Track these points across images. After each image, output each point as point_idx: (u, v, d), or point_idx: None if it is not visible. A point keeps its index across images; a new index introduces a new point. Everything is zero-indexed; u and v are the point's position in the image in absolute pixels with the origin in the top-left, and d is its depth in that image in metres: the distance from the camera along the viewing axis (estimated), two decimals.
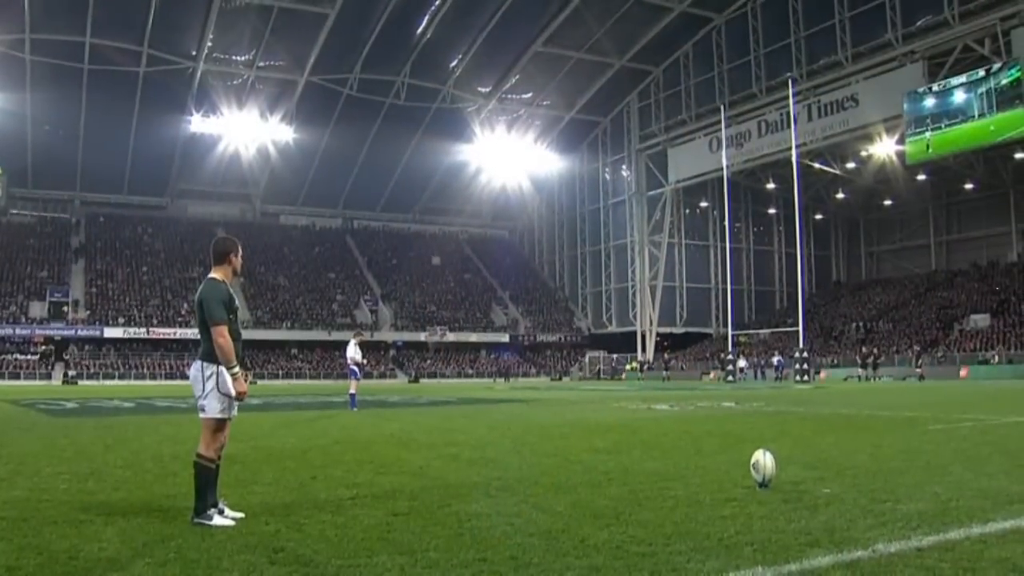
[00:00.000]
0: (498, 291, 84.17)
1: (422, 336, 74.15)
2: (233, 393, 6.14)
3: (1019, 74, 46.35)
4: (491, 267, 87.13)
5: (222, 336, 6.05)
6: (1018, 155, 57.46)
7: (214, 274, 6.35)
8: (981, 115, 48.20)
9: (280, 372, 66.52)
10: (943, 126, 49.82)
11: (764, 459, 7.15)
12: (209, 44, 61.89)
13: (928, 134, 50.58)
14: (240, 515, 6.14)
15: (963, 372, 50.67)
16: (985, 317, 58.35)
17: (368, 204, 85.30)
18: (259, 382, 61.09)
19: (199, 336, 6.24)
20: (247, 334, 62.54)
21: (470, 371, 72.24)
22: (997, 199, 67.23)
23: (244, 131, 69.57)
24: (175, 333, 66.60)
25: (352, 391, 21.32)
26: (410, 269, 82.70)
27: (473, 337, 76.39)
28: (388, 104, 70.03)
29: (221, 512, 6.08)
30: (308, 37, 61.50)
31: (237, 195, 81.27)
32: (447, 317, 76.87)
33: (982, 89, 48.09)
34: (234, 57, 65.13)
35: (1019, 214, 66.99)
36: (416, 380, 65.45)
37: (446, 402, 25.89)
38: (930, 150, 50.91)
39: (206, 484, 6.09)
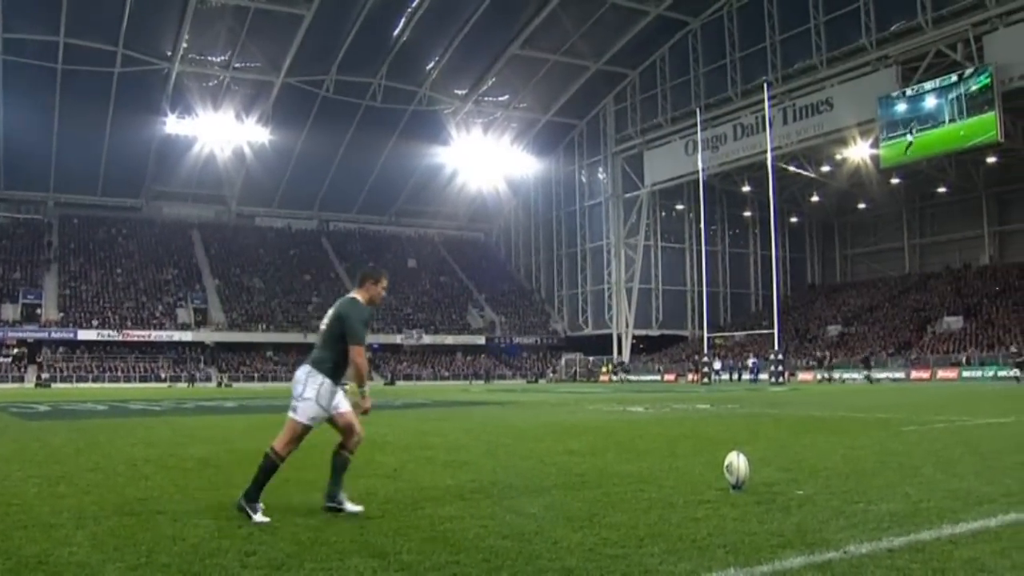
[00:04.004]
0: (474, 293, 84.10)
1: (398, 338, 73.91)
2: (328, 408, 6.31)
3: (988, 80, 46.96)
4: (467, 269, 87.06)
5: (361, 356, 6.29)
6: (990, 159, 57.84)
7: (356, 295, 6.52)
8: (952, 120, 48.75)
9: (255, 375, 66.21)
10: (914, 131, 50.33)
11: (738, 461, 7.16)
12: (184, 45, 61.62)
13: (902, 138, 51.09)
14: (360, 508, 6.32)
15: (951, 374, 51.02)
16: (958, 319, 58.92)
17: (344, 206, 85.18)
18: (234, 385, 60.84)
19: (320, 349, 6.35)
20: (222, 336, 62.23)
21: (446, 373, 72.02)
22: (970, 203, 67.79)
23: (220, 132, 69.30)
24: (149, 335, 66.23)
25: None
26: (386, 271, 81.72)
27: (449, 339, 76.28)
28: (364, 106, 69.93)
29: (340, 506, 6.31)
30: (284, 38, 61.36)
31: (212, 197, 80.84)
32: (423, 319, 76.77)
33: (953, 95, 48.65)
34: (210, 58, 64.84)
35: (991, 217, 67.57)
36: (392, 382, 65.31)
37: (421, 404, 25.88)
38: (909, 152, 51.32)
39: (266, 477, 6.26)
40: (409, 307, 78.47)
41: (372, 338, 72.06)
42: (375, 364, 71.41)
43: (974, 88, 47.63)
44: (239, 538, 5.48)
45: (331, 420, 6.41)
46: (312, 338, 65.28)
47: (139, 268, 73.63)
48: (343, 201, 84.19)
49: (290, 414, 6.31)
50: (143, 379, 62.55)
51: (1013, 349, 46.80)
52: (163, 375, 63.60)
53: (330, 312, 6.39)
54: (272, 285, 76.33)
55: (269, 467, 6.27)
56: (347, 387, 6.45)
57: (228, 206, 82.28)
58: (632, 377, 65.88)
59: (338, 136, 72.80)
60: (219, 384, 61.39)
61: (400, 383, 64.27)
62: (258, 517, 6.03)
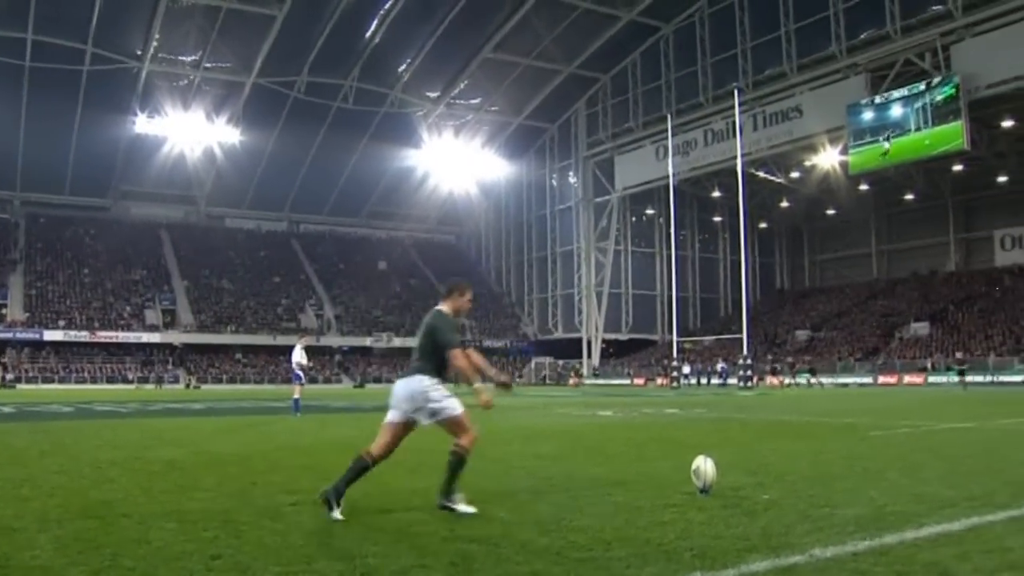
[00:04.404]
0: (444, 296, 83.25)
1: (368, 341, 73.70)
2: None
3: (955, 89, 47.57)
4: (438, 272, 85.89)
5: (459, 359, 6.59)
6: (956, 167, 58.54)
7: (442, 307, 6.92)
8: (919, 128, 49.39)
9: (224, 376, 65.78)
10: (889, 139, 50.92)
11: (705, 465, 7.20)
12: (155, 44, 61.13)
13: (871, 145, 51.68)
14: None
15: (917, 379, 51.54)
16: (924, 325, 59.65)
17: (314, 208, 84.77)
18: (202, 387, 60.43)
19: (421, 358, 6.72)
20: (190, 338, 61.72)
21: None
22: (936, 210, 68.63)
23: (190, 132, 68.82)
24: (117, 337, 65.65)
25: (296, 396, 21.13)
26: (356, 273, 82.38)
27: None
28: (336, 107, 69.70)
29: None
30: (256, 39, 61.01)
31: (182, 197, 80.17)
32: (393, 322, 76.46)
33: (921, 103, 49.27)
34: (180, 58, 64.34)
35: (957, 225, 68.57)
36: (361, 385, 65.05)
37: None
38: (881, 159, 51.83)
39: (458, 472, 6.59)
40: (379, 309, 78.20)
41: (341, 340, 72.26)
42: (345, 366, 71.35)
43: (941, 97, 48.24)
44: (204, 541, 5.44)
45: (405, 424, 6.79)
46: (281, 339, 65.73)
47: (107, 268, 72.86)
48: (314, 203, 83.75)
49: (443, 417, 6.62)
50: (110, 380, 61.93)
51: (958, 355, 47.48)
52: (131, 376, 63.01)
53: (422, 326, 6.84)
54: (241, 287, 75.89)
55: (460, 464, 6.59)
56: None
57: (198, 207, 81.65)
58: (601, 381, 66.14)
59: (309, 137, 72.48)
60: (187, 386, 61.00)
61: (370, 386, 63.97)
62: (463, 507, 6.48)
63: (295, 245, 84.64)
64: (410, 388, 6.65)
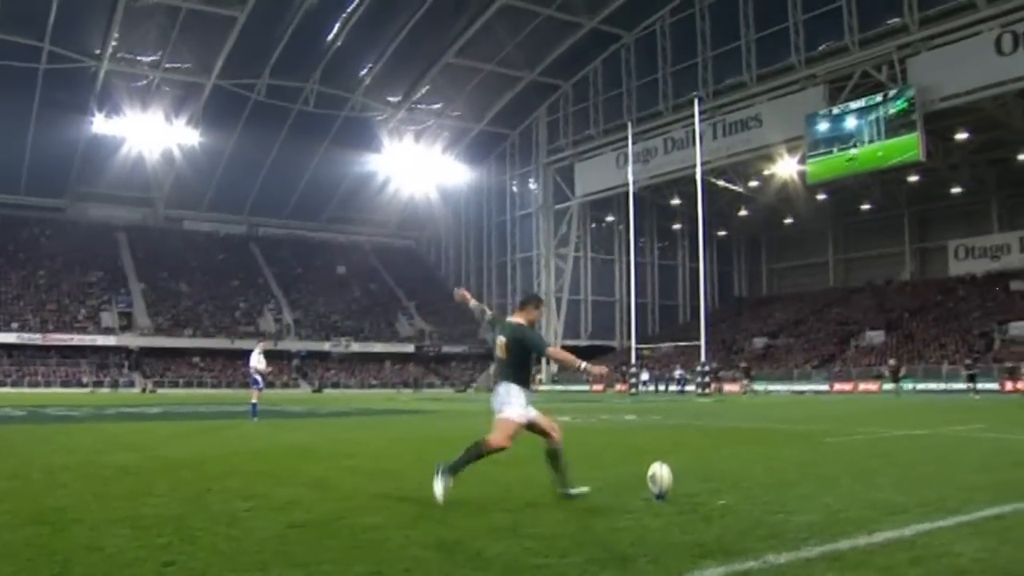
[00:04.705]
0: (403, 301, 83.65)
1: (326, 346, 73.29)
2: (526, 410, 7.38)
3: (910, 102, 48.25)
4: (397, 277, 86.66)
5: (558, 353, 7.48)
6: (912, 178, 59.37)
7: (518, 319, 7.56)
8: (876, 139, 50.11)
9: (181, 380, 65.06)
10: (835, 150, 51.77)
11: (661, 472, 7.24)
12: (114, 43, 60.45)
13: (829, 155, 52.27)
14: (585, 489, 7.42)
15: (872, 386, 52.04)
16: (880, 334, 60.29)
17: (274, 211, 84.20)
18: (159, 391, 59.75)
19: (508, 368, 7.41)
20: (147, 341, 60.97)
21: (374, 382, 71.46)
22: (892, 220, 69.56)
23: (148, 133, 67.98)
24: (72, 339, 64.71)
25: (254, 400, 20.97)
26: (315, 278, 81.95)
27: (378, 347, 75.70)
28: (297, 110, 69.34)
29: (569, 494, 7.32)
30: (216, 40, 60.45)
31: (140, 199, 79.39)
32: (352, 327, 76.16)
33: (877, 114, 49.92)
34: (139, 57, 63.62)
35: (912, 234, 69.46)
36: (319, 390, 64.75)
37: (348, 413, 25.73)
38: (841, 168, 52.30)
39: (470, 461, 7.27)
40: (338, 314, 77.80)
41: (299, 345, 71.78)
42: (303, 371, 70.88)
43: (897, 108, 48.91)
44: (157, 548, 5.38)
45: (530, 425, 7.45)
46: (239, 343, 65.15)
47: (62, 270, 71.85)
48: (273, 206, 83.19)
49: (500, 416, 7.33)
50: (64, 384, 60.96)
51: (891, 362, 48.59)
52: (85, 380, 62.04)
53: (501, 339, 7.47)
54: (199, 290, 75.09)
55: (476, 454, 7.25)
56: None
57: (156, 209, 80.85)
58: (559, 387, 66.19)
59: (269, 140, 72.05)
60: (143, 390, 60.22)
61: (327, 391, 63.70)
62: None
63: (254, 248, 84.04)
64: (500, 391, 7.36)
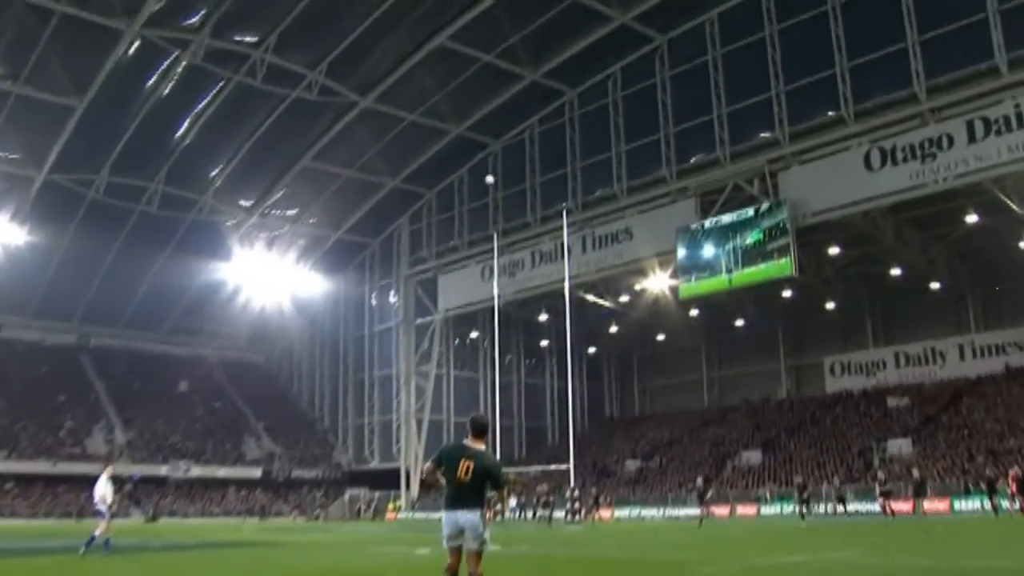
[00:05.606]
0: (251, 421, 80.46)
1: (163, 470, 69.26)
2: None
3: (782, 216, 48.99)
4: (245, 395, 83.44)
5: (508, 494, 6.93)
6: (785, 293, 60.39)
7: (482, 446, 8.47)
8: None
9: None
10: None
11: None
12: None
13: (700, 270, 52.78)
14: None
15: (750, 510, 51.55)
16: (756, 454, 60.37)
17: (109, 320, 79.72)
18: None
19: (472, 493, 8.30)
20: None
21: (217, 510, 68.09)
22: (767, 336, 70.85)
23: None
24: None
25: (97, 532, 19.04)
26: (154, 394, 77.74)
27: (221, 472, 72.21)
28: (139, 211, 66.26)
29: None
30: (51, 130, 57.14)
31: None
32: (193, 449, 72.55)
33: (750, 229, 50.65)
34: None
35: (787, 351, 70.84)
36: (154, 519, 61.56)
37: (186, 546, 24.12)
38: (726, 283, 52.63)
39: None
40: (178, 435, 73.93)
41: (133, 469, 67.74)
42: (136, 498, 66.89)
43: (770, 221, 49.67)
44: None
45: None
46: (62, 467, 61.24)
47: None
48: (109, 314, 78.67)
49: (480, 547, 8.15)
50: None
51: (800, 486, 48.38)
52: None
53: (468, 464, 8.16)
54: (17, 406, 69.79)
55: None
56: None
57: None
58: (421, 515, 64.23)
59: (107, 243, 68.48)
60: None
61: (164, 520, 60.37)
62: None
63: (84, 361, 79.70)
64: (473, 520, 8.17)
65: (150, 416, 75.51)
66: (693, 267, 53.13)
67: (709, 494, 45.26)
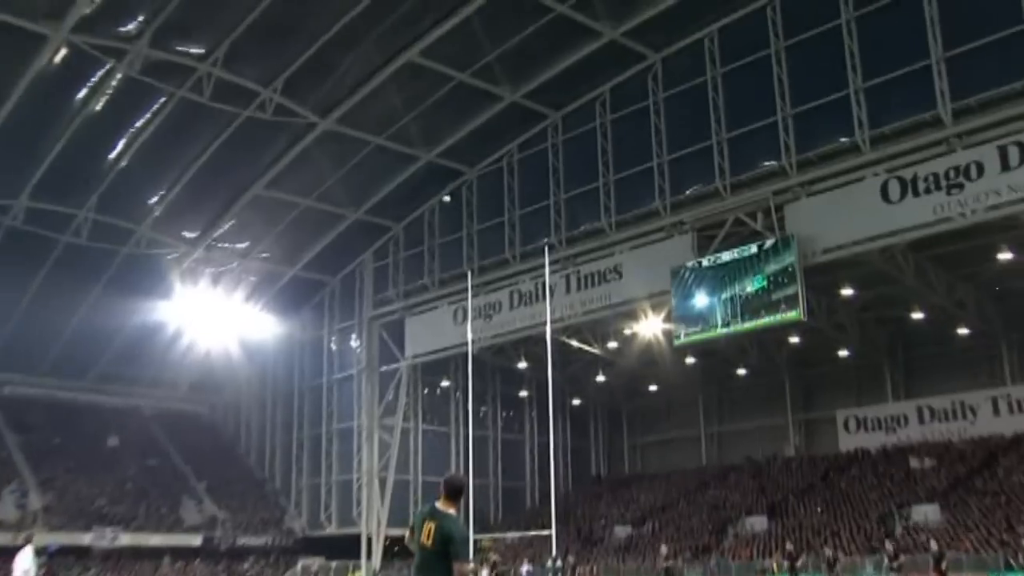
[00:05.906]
0: (191, 481, 74.61)
1: (86, 538, 63.42)
2: None
3: (791, 254, 44.94)
4: (184, 451, 77.52)
5: (466, 570, 8.46)
6: (792, 339, 57.70)
7: (452, 510, 8.73)
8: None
9: None
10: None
11: None
12: None
13: (697, 314, 49.05)
14: None
15: None
16: (762, 519, 56.91)
17: (26, 366, 73.03)
18: None
19: (436, 560, 8.42)
20: None
21: None
22: (773, 387, 67.82)
23: None
24: None
25: None
26: (78, 451, 71.37)
27: (155, 539, 66.33)
28: (65, 242, 60.52)
29: None
30: None
31: None
32: (122, 514, 66.53)
33: (753, 267, 46.56)
34: None
35: (795, 403, 67.42)
36: None
37: None
38: (726, 329, 49.06)
39: None
40: (104, 498, 67.75)
41: (50, 538, 61.38)
42: (53, 572, 60.86)
43: (775, 261, 45.87)
44: None
45: None
46: None
47: None
48: (26, 359, 71.94)
49: None
50: None
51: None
52: None
53: (431, 525, 8.44)
54: None
55: None
56: None
57: None
58: None
59: (26, 277, 62.70)
60: None
61: None
62: None
63: None
64: None
65: (72, 476, 69.64)
66: (688, 318, 49.58)
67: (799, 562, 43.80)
